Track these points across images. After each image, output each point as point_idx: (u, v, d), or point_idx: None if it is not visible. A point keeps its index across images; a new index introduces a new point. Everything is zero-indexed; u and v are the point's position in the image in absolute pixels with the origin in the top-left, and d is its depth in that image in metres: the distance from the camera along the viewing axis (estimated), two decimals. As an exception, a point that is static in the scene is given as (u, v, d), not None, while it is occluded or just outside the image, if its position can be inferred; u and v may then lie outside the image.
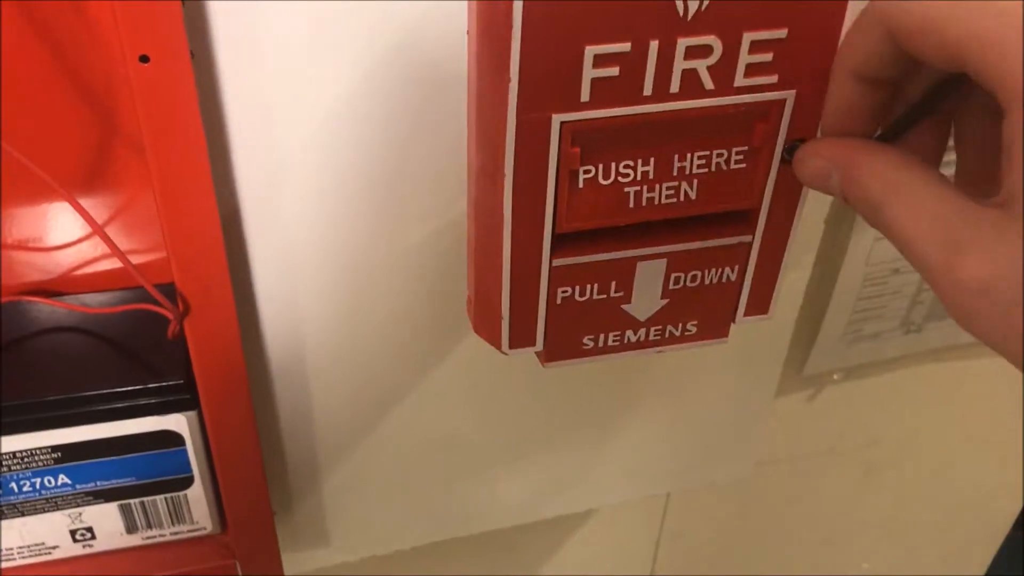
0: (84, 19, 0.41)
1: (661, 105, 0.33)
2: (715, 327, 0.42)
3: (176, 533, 0.50)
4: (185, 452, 0.47)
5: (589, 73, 0.32)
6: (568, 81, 0.32)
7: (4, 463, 0.45)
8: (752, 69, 0.33)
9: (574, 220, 0.36)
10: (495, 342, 0.40)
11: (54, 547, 0.49)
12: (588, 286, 0.38)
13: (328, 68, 0.39)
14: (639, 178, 0.36)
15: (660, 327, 0.41)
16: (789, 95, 0.34)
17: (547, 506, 0.63)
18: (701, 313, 0.41)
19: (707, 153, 0.35)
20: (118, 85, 0.43)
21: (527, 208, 0.35)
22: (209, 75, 0.38)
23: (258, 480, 0.48)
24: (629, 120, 0.34)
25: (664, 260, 0.38)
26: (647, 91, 0.33)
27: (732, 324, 0.42)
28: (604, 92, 0.33)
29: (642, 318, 0.40)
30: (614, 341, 0.41)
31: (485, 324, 0.40)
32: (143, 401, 0.45)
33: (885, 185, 0.28)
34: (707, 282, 0.39)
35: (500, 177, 0.35)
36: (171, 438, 0.46)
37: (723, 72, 0.33)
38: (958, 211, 0.26)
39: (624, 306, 0.40)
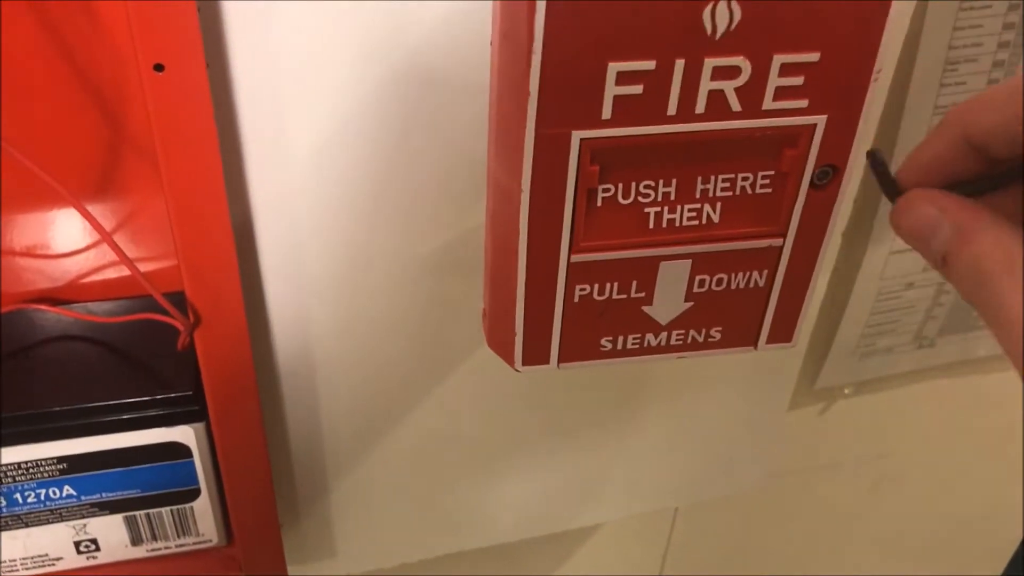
0: (97, 26, 0.40)
1: (686, 126, 0.32)
2: (741, 334, 0.40)
3: (181, 545, 0.49)
4: (192, 464, 0.46)
5: (612, 90, 0.31)
6: (590, 97, 0.32)
7: (9, 474, 0.44)
8: (782, 92, 0.32)
9: (592, 239, 0.35)
10: (508, 358, 0.39)
11: (58, 559, 0.48)
12: (608, 285, 0.37)
13: (343, 78, 0.39)
14: (660, 199, 0.35)
15: (683, 332, 0.39)
16: (820, 120, 0.33)
17: (555, 520, 0.62)
18: (727, 319, 0.39)
19: (732, 176, 0.34)
20: (129, 92, 0.42)
21: (543, 225, 0.35)
22: (224, 84, 0.37)
23: (266, 492, 0.47)
24: (652, 140, 0.33)
25: (689, 261, 0.37)
26: (671, 111, 0.32)
27: (754, 347, 0.41)
28: (627, 110, 0.32)
29: (664, 321, 0.39)
30: (633, 344, 0.39)
31: (498, 339, 0.40)
32: (151, 412, 0.44)
33: (1005, 258, 0.27)
34: (734, 286, 0.38)
35: (517, 192, 0.34)
36: (178, 450, 0.45)
37: (751, 94, 0.32)
38: None
39: (645, 308, 0.38)
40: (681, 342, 0.39)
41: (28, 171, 0.39)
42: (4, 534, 0.46)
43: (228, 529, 0.49)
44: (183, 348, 0.41)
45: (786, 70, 0.31)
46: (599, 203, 0.34)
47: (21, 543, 0.47)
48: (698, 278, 0.37)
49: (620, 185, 0.34)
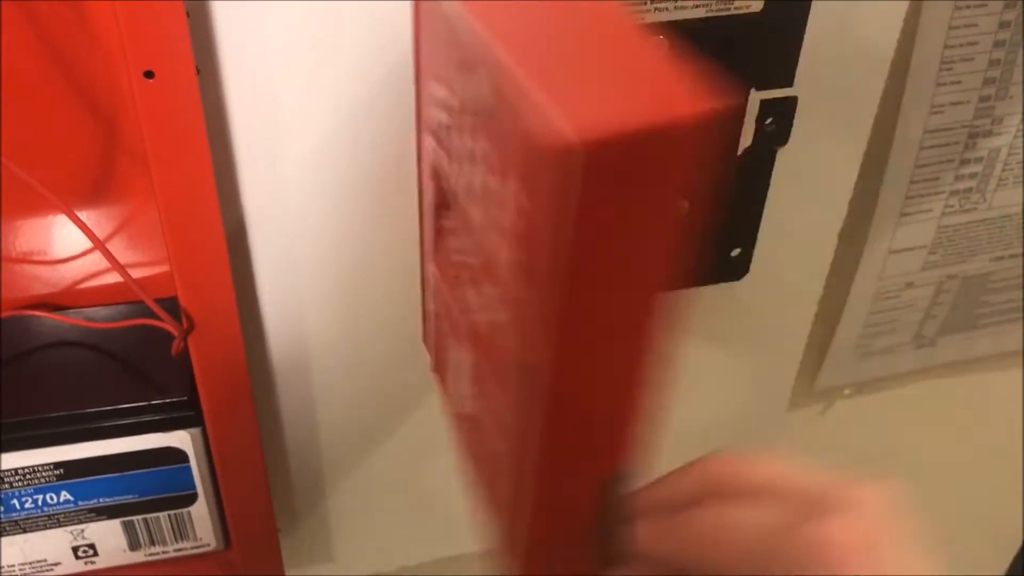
0: (89, 33, 0.40)
1: (461, 188, 0.29)
2: (486, 497, 0.33)
3: (180, 550, 0.49)
4: (189, 469, 0.46)
5: (432, 107, 0.30)
6: (426, 107, 0.31)
7: (6, 479, 0.44)
8: (511, 229, 0.25)
9: (438, 260, 0.33)
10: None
11: (56, 564, 0.48)
12: (442, 319, 0.34)
13: (335, 82, 0.39)
14: (466, 264, 0.30)
15: (471, 436, 0.33)
16: (523, 292, 0.25)
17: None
18: (483, 464, 0.33)
19: (492, 293, 0.28)
20: (122, 100, 0.42)
21: (424, 219, 0.34)
22: (215, 90, 0.37)
23: (262, 496, 0.47)
24: (452, 183, 0.30)
25: (471, 358, 0.31)
26: (456, 164, 0.29)
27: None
28: (440, 136, 0.30)
29: (461, 407, 0.34)
30: (451, 404, 0.35)
31: None
32: (147, 418, 0.44)
33: None
34: (487, 438, 0.31)
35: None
36: (175, 455, 0.46)
37: (495, 202, 0.26)
38: None
39: (452, 376, 0.34)
40: (469, 447, 0.34)
41: (22, 179, 0.39)
42: (3, 540, 0.46)
43: (226, 533, 0.49)
44: (176, 354, 0.41)
45: (516, 200, 0.24)
46: (442, 228, 0.33)
47: (19, 549, 0.47)
48: (475, 388, 0.32)
49: (454, 225, 0.32)
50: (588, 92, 0.22)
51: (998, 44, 0.51)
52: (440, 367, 0.36)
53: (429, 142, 0.31)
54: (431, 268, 0.34)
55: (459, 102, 0.27)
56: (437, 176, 0.31)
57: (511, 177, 0.24)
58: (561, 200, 0.21)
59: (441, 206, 0.32)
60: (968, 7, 0.49)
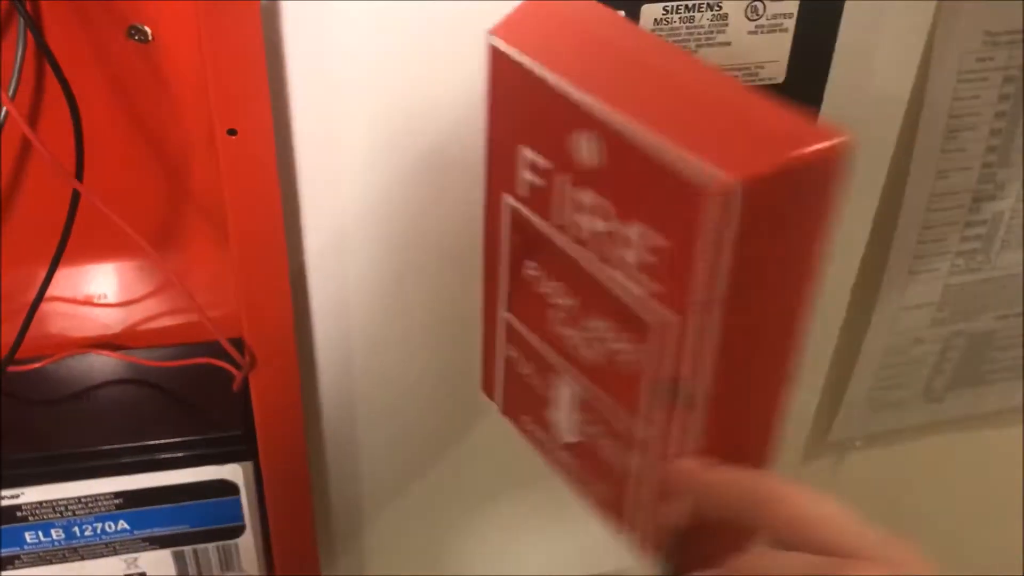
0: (166, 93, 0.44)
1: (567, 241, 0.30)
2: (609, 506, 0.33)
3: (225, 581, 0.52)
4: (239, 501, 0.49)
5: (524, 171, 0.31)
6: (512, 169, 0.31)
7: (69, 508, 0.47)
8: (643, 265, 0.27)
9: (515, 306, 0.35)
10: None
11: (109, 591, 0.50)
12: (526, 363, 0.34)
13: (394, 139, 0.42)
14: (562, 305, 0.32)
15: (578, 461, 0.34)
16: (672, 319, 0.27)
17: (580, 564, 0.64)
18: (599, 478, 0.33)
19: (606, 326, 0.30)
20: (192, 153, 0.46)
21: (491, 274, 0.35)
22: (286, 146, 0.41)
23: (308, 529, 0.49)
24: (545, 235, 0.31)
25: (576, 389, 0.32)
26: (555, 218, 0.30)
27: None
28: (534, 196, 0.31)
29: (559, 439, 0.34)
30: (542, 439, 0.36)
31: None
32: (202, 451, 0.47)
33: None
34: (609, 455, 0.32)
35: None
36: (227, 487, 0.48)
37: (616, 245, 0.28)
38: None
39: (548, 412, 0.34)
40: (573, 469, 0.35)
41: (96, 225, 0.42)
42: (60, 566, 0.49)
43: (270, 565, 0.52)
44: (238, 389, 0.44)
45: (645, 240, 0.27)
46: (525, 276, 0.34)
47: (76, 575, 0.49)
48: (583, 416, 0.33)
49: (543, 273, 0.33)
50: (719, 138, 0.25)
51: (999, 115, 0.55)
52: (515, 409, 0.37)
53: (509, 201, 0.32)
54: (506, 317, 0.35)
55: (559, 161, 0.29)
56: (521, 230, 0.33)
57: (639, 221, 0.27)
58: (717, 233, 0.24)
59: (522, 258, 0.34)
60: (971, 80, 0.53)
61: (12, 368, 0.48)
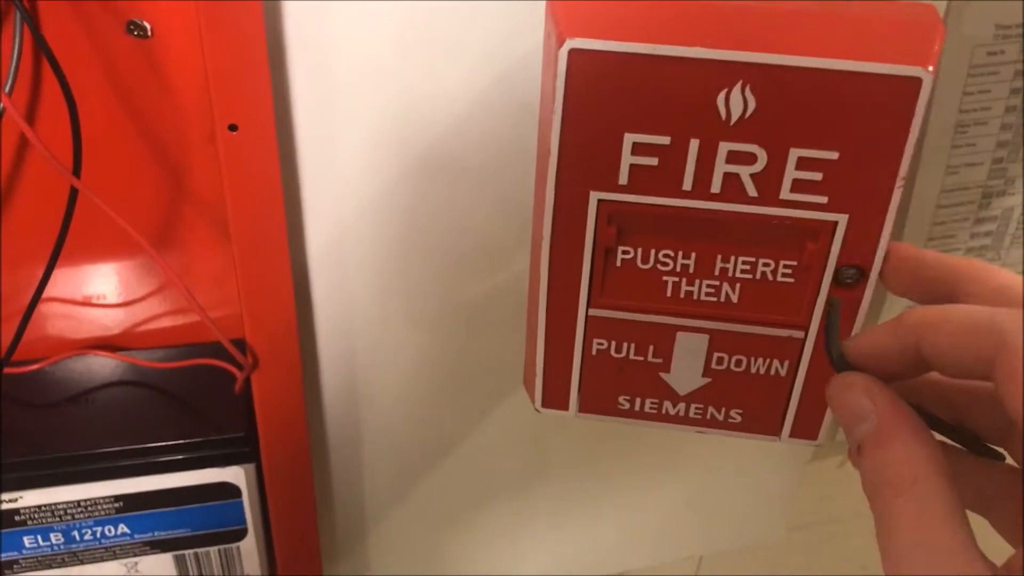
0: (164, 89, 0.43)
1: (700, 203, 0.32)
2: (763, 422, 0.38)
3: (227, 585, 0.51)
4: (241, 504, 0.48)
5: (628, 159, 0.32)
6: (607, 163, 0.32)
7: (68, 512, 0.46)
8: (800, 185, 0.31)
9: (609, 296, 0.36)
10: (532, 398, 0.40)
11: (109, 596, 0.50)
12: (625, 344, 0.37)
13: (396, 136, 0.42)
14: (678, 270, 0.35)
15: (701, 407, 0.38)
16: (841, 219, 0.32)
17: (582, 566, 0.64)
18: (747, 403, 0.38)
19: (752, 260, 0.34)
20: (190, 151, 0.45)
21: (563, 277, 0.35)
22: (288, 142, 0.40)
23: (311, 532, 0.49)
24: (667, 211, 0.33)
25: (707, 336, 0.36)
26: (686, 186, 0.32)
27: (777, 438, 0.39)
28: (643, 179, 0.32)
29: (681, 392, 0.38)
30: (651, 408, 0.38)
31: (528, 379, 0.41)
32: (204, 453, 0.46)
33: (907, 477, 0.26)
34: (753, 371, 0.36)
35: (540, 243, 0.35)
36: (229, 490, 0.47)
37: (768, 182, 0.32)
38: (955, 564, 0.24)
39: (663, 374, 0.37)
40: (700, 417, 0.38)
41: (94, 224, 0.42)
42: (60, 571, 0.48)
43: (273, 569, 0.51)
44: (240, 390, 0.44)
45: (804, 164, 0.31)
46: (618, 263, 0.35)
47: (76, 580, 0.49)
48: (716, 355, 0.36)
49: (639, 250, 0.34)
50: (868, 42, 0.29)
51: (1010, 110, 0.54)
52: (602, 398, 0.39)
53: (598, 196, 0.33)
54: (591, 314, 0.36)
55: (686, 130, 0.31)
56: (617, 218, 0.33)
57: (800, 146, 0.30)
58: (914, 118, 0.30)
59: (614, 247, 0.34)
60: (981, 75, 0.52)
61: (11, 370, 0.47)
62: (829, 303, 0.34)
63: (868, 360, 0.30)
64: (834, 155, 0.31)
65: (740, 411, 0.38)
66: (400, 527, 0.55)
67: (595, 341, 0.37)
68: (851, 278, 0.33)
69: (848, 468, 0.74)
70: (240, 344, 0.44)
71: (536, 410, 0.40)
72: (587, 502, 0.60)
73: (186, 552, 0.49)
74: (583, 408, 0.39)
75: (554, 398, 0.39)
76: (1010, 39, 0.52)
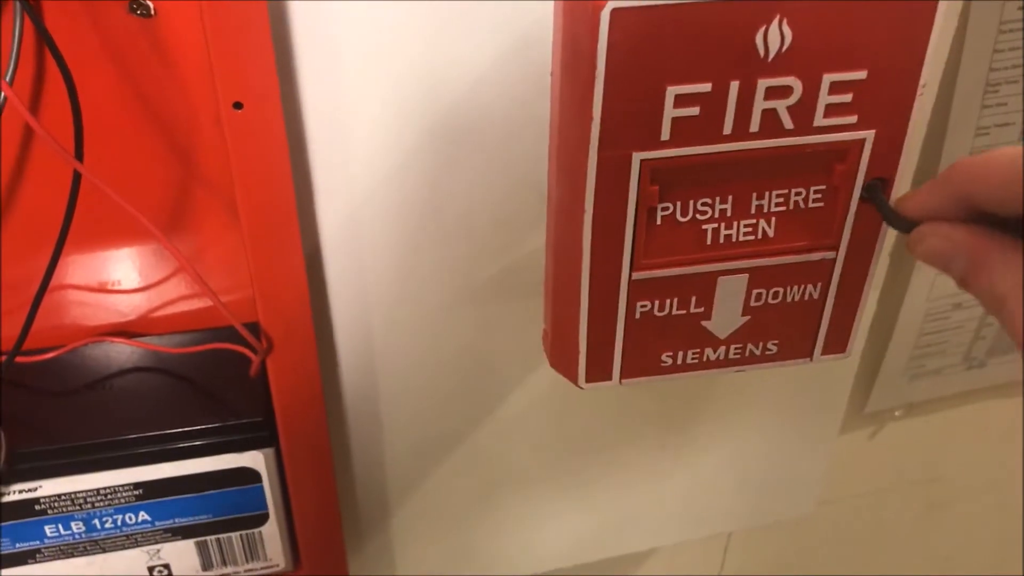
0: (169, 68, 0.42)
1: (740, 144, 0.34)
2: (797, 346, 0.41)
3: (250, 570, 0.51)
4: (261, 489, 0.48)
5: (670, 112, 0.33)
6: (649, 121, 0.33)
7: (88, 500, 0.46)
8: (831, 109, 0.34)
9: (652, 257, 0.37)
10: (572, 376, 0.40)
11: (132, 583, 0.49)
12: (668, 300, 0.38)
13: (407, 111, 0.41)
14: (717, 215, 0.36)
15: (740, 345, 0.40)
16: (868, 135, 0.34)
17: (610, 545, 0.63)
18: (783, 331, 0.40)
19: (785, 191, 0.36)
20: (198, 132, 0.45)
21: (605, 245, 0.36)
22: (295, 120, 0.39)
23: (332, 516, 0.48)
24: (709, 159, 0.34)
25: (746, 275, 0.38)
26: (727, 130, 0.34)
27: (810, 359, 0.41)
28: (684, 131, 0.33)
29: (722, 335, 0.40)
30: (693, 358, 0.40)
31: (561, 358, 0.41)
32: (223, 438, 0.46)
33: (1016, 281, 0.29)
34: (789, 299, 0.39)
35: (580, 213, 0.35)
36: (249, 475, 0.47)
37: (803, 112, 0.33)
38: None
39: (704, 323, 0.39)
40: (739, 356, 0.40)
41: (106, 210, 0.41)
42: (82, 559, 0.48)
43: (295, 553, 0.50)
44: (255, 374, 0.43)
45: (835, 88, 0.33)
46: (659, 221, 0.36)
47: (98, 568, 0.48)
48: (755, 292, 0.38)
49: (679, 203, 0.36)
50: None
51: (1042, 66, 0.52)
52: (644, 362, 0.40)
53: (640, 156, 0.34)
54: (634, 278, 0.37)
55: (726, 72, 0.32)
56: (658, 177, 0.34)
57: (832, 71, 0.32)
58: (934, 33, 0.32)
59: (655, 206, 0.35)
60: (1012, 31, 0.51)
61: (26, 359, 0.47)
62: (867, 188, 0.35)
63: (925, 217, 0.32)
64: (863, 74, 0.33)
65: (776, 341, 0.40)
66: (424, 507, 0.54)
67: (639, 305, 0.38)
68: (875, 190, 0.35)
69: (878, 440, 0.73)
70: (254, 327, 0.43)
71: (580, 387, 0.40)
72: (614, 479, 0.59)
73: (208, 538, 0.49)
74: (626, 375, 0.40)
75: (597, 372, 0.40)
76: (1042, -8, 0.50)
